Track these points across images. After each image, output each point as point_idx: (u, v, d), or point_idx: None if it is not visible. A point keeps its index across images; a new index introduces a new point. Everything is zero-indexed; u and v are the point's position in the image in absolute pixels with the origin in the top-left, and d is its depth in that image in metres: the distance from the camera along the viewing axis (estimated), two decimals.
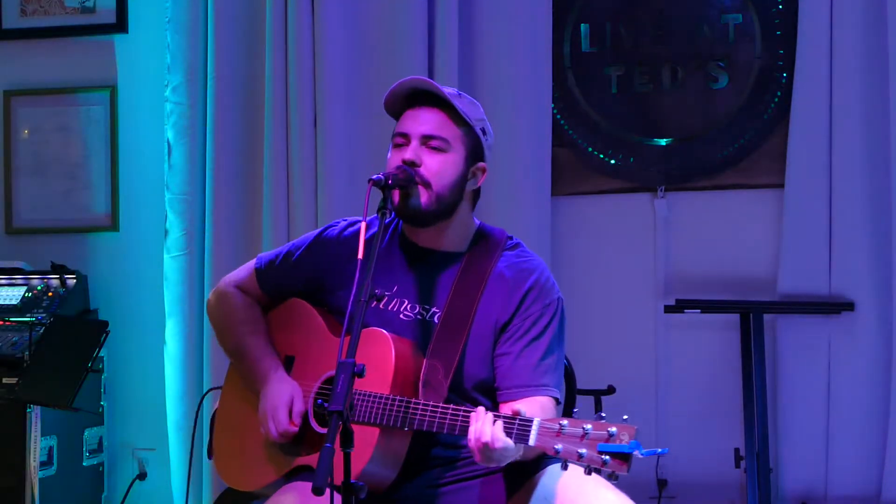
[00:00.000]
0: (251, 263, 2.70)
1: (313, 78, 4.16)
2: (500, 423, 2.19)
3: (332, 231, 2.62)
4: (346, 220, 2.64)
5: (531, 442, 2.15)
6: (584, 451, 2.08)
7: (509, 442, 2.17)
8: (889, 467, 3.88)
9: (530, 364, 2.42)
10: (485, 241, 2.54)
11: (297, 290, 2.64)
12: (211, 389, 3.21)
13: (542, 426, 2.15)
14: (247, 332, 2.62)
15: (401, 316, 2.48)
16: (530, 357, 2.43)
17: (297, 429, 2.46)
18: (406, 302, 2.50)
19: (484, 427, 2.19)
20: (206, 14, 4.26)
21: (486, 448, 2.18)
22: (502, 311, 2.47)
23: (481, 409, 2.23)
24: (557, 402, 2.44)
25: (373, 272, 2.27)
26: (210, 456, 2.75)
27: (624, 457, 2.05)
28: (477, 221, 2.59)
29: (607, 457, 2.06)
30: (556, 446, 2.12)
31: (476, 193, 2.56)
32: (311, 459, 2.42)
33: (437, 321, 2.46)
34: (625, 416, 2.10)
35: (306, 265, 2.62)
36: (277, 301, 2.67)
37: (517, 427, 2.18)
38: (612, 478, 2.08)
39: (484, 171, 2.53)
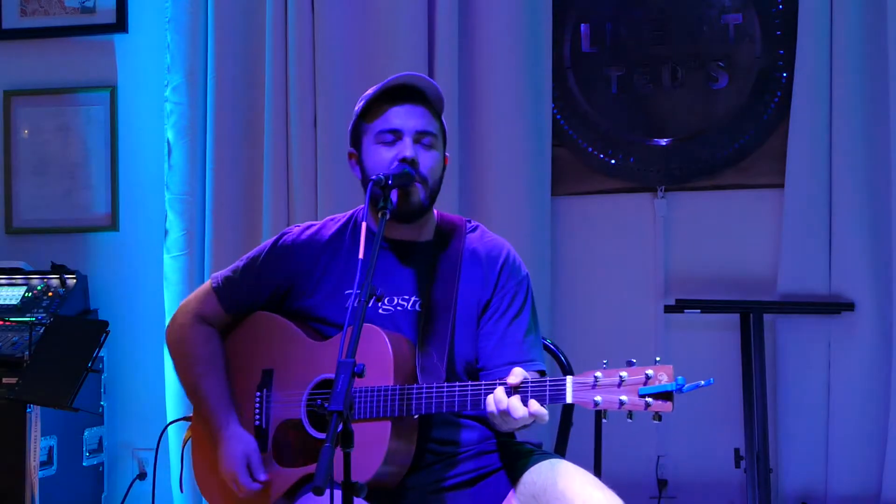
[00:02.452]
0: (206, 285, 2.65)
1: (313, 78, 4.16)
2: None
3: (287, 238, 2.59)
4: (297, 226, 2.63)
5: (568, 399, 2.13)
6: (624, 397, 2.08)
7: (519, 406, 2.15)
8: (889, 467, 3.87)
9: (517, 341, 2.45)
10: (448, 228, 2.55)
11: (261, 302, 2.60)
12: (173, 421, 3.33)
13: (575, 382, 2.14)
14: (203, 374, 2.57)
15: (379, 311, 2.47)
16: (516, 334, 2.45)
17: (261, 485, 2.44)
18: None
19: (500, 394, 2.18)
20: (206, 14, 4.26)
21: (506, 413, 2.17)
22: (482, 290, 2.48)
23: (517, 370, 2.22)
24: (544, 374, 2.44)
25: (344, 271, 2.31)
26: (181, 489, 2.81)
27: (667, 395, 2.05)
28: (435, 210, 2.59)
29: (650, 399, 2.06)
30: (595, 398, 2.10)
31: None
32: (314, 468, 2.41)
33: (418, 309, 2.46)
34: (658, 358, 2.10)
35: (269, 275, 2.58)
36: (239, 317, 2.62)
37: (549, 388, 2.16)
38: (655, 418, 2.07)
39: (447, 159, 2.56)
